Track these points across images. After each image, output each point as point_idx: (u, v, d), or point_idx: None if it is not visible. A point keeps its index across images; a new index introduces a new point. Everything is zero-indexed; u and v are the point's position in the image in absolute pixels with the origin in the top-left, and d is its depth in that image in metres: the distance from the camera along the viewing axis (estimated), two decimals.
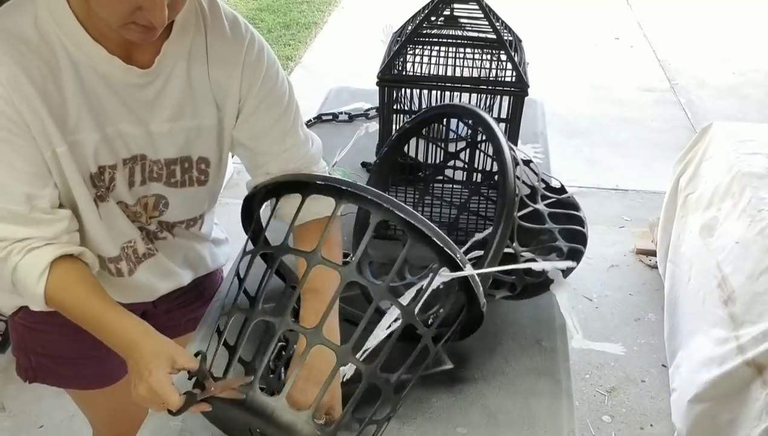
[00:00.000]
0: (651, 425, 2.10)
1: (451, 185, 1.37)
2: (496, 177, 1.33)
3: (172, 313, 1.28)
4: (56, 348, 1.19)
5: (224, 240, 1.34)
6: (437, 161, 1.36)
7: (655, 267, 2.74)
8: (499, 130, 1.04)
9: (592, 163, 3.65)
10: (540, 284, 1.05)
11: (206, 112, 1.01)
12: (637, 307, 2.59)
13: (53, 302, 0.93)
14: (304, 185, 0.88)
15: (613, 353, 1.03)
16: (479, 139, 1.32)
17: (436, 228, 0.83)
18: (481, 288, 0.88)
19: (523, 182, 1.09)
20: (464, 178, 1.40)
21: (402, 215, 0.81)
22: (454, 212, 1.33)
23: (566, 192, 1.16)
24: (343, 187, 0.83)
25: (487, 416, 0.99)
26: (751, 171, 2.04)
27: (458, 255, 0.83)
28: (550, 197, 1.12)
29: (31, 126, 0.87)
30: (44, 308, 0.94)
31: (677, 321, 2.23)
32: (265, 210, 1.01)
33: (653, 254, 2.77)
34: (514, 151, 1.03)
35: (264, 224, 0.96)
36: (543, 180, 1.16)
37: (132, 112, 0.95)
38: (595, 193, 3.35)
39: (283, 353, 1.01)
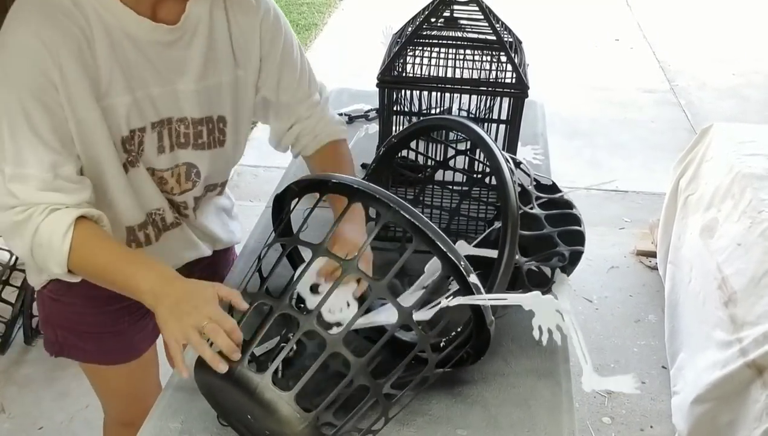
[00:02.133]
0: (651, 427, 2.10)
1: (441, 190, 1.36)
2: (486, 179, 1.33)
3: None
4: (80, 321, 1.22)
5: (236, 214, 1.38)
6: (431, 163, 1.35)
7: (655, 268, 2.74)
8: (494, 145, 1.03)
9: (593, 164, 3.65)
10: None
11: (226, 69, 1.06)
12: (637, 308, 2.59)
13: (77, 261, 0.92)
14: (323, 184, 0.92)
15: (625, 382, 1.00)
16: (469, 147, 1.32)
17: (444, 236, 0.83)
18: (488, 305, 0.88)
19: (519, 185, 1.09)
20: (459, 180, 1.39)
21: (410, 218, 0.83)
22: (446, 217, 1.32)
23: (558, 190, 1.16)
24: (355, 186, 0.87)
25: (486, 418, 0.99)
26: (752, 172, 2.04)
27: (462, 263, 0.83)
28: (544, 198, 1.12)
29: (62, 92, 0.89)
30: (64, 270, 0.93)
31: (678, 323, 2.23)
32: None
33: (653, 255, 2.77)
34: (509, 161, 1.03)
35: (280, 221, 1.00)
36: (535, 179, 1.16)
37: (160, 73, 0.99)
38: (595, 195, 3.35)
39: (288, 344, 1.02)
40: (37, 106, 0.88)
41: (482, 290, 0.86)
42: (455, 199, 1.31)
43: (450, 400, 1.01)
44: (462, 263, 0.83)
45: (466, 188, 1.31)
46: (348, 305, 0.91)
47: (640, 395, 2.21)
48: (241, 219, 1.40)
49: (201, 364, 0.87)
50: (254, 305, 0.88)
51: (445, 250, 0.82)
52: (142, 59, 0.97)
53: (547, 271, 1.06)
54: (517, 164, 1.15)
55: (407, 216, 0.82)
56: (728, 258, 1.93)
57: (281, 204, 1.05)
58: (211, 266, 1.34)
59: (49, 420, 2.07)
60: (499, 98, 1.38)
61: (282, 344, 0.99)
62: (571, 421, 0.99)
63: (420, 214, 0.84)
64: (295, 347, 1.08)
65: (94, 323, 1.22)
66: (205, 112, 1.07)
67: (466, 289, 0.84)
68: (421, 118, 1.23)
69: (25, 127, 0.89)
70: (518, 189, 1.00)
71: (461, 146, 1.39)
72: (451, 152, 1.30)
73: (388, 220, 0.84)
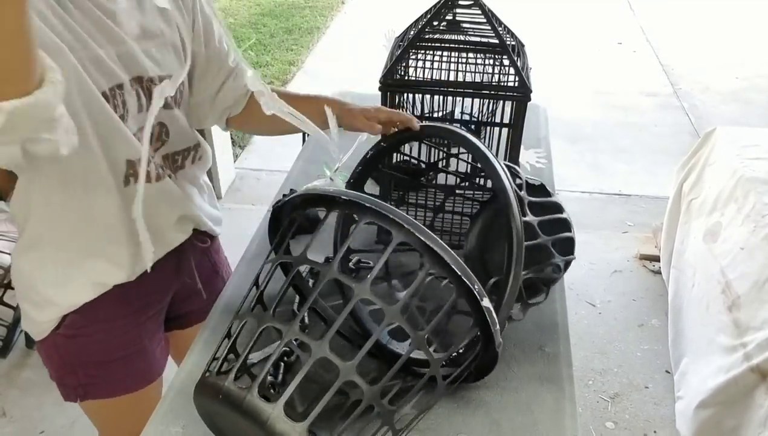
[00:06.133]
0: (655, 432, 2.09)
1: (425, 189, 1.36)
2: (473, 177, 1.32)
3: (190, 299, 1.29)
4: (106, 349, 1.17)
5: (218, 205, 1.33)
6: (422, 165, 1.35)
7: (658, 273, 2.73)
8: (496, 161, 1.00)
9: (595, 168, 3.65)
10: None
11: (171, 24, 1.07)
12: (640, 313, 2.58)
13: None
14: (331, 200, 0.86)
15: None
16: (459, 151, 1.31)
17: (456, 255, 0.81)
18: (498, 326, 0.86)
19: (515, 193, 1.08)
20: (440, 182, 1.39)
21: (424, 240, 0.80)
22: (430, 215, 1.31)
23: (547, 191, 1.15)
24: (367, 205, 0.82)
25: (489, 423, 0.99)
26: (755, 176, 2.03)
27: (476, 287, 0.82)
28: (536, 202, 1.11)
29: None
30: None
31: (681, 327, 2.22)
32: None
33: (657, 259, 2.77)
34: (506, 172, 1.01)
35: (286, 236, 0.94)
36: (526, 181, 1.15)
37: (123, 28, 0.98)
38: (598, 199, 3.35)
39: (285, 360, 1.00)
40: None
41: (495, 315, 0.85)
42: (439, 197, 1.30)
43: (452, 405, 1.01)
44: (476, 286, 0.82)
45: (448, 189, 1.30)
46: None
47: (644, 399, 2.20)
48: (242, 222, 1.39)
49: (201, 390, 0.85)
50: (261, 329, 0.84)
51: (459, 273, 0.80)
52: (105, 16, 0.96)
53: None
54: (508, 168, 1.14)
55: (422, 238, 0.80)
56: (732, 262, 1.93)
57: (280, 215, 1.00)
58: (208, 257, 1.31)
59: (51, 424, 2.06)
60: (501, 102, 1.37)
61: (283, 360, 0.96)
62: (574, 426, 0.99)
63: (433, 235, 0.81)
64: (285, 356, 1.07)
65: (121, 345, 1.18)
66: (163, 69, 1.06)
67: (478, 313, 0.84)
68: (425, 123, 1.21)
69: None
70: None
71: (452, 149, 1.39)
72: (446, 155, 1.29)
73: (401, 240, 0.82)
